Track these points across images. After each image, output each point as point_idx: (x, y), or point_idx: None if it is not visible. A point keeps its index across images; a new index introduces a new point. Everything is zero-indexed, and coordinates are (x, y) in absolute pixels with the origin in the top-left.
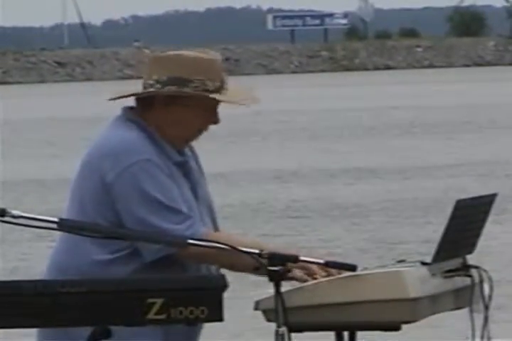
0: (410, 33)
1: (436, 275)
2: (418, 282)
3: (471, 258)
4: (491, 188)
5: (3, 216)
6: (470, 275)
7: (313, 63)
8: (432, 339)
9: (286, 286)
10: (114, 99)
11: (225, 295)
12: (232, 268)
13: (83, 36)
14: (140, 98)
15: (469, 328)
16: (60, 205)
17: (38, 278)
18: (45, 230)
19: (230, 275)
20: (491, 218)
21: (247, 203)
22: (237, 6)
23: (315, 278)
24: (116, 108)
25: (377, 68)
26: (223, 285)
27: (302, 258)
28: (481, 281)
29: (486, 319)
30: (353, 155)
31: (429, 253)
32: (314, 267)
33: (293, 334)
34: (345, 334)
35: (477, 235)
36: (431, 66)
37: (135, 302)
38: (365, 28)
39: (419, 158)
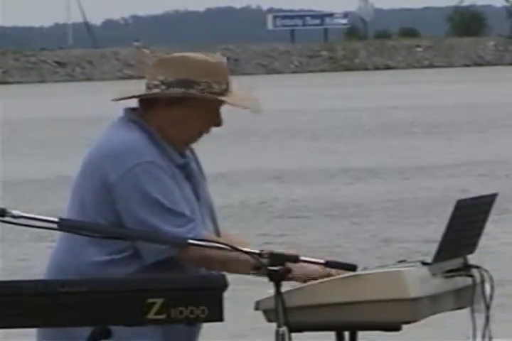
0: (410, 33)
1: (437, 275)
2: (418, 282)
3: (471, 258)
4: (491, 188)
5: (3, 216)
6: (471, 275)
7: (313, 63)
8: (432, 339)
9: (286, 286)
10: (118, 99)
11: (225, 295)
12: (232, 270)
13: (87, 36)
14: (143, 99)
15: (470, 328)
16: (60, 205)
17: (38, 278)
18: (45, 230)
19: (230, 276)
20: (491, 218)
21: (247, 203)
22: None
23: (315, 279)
24: (117, 108)
25: (377, 68)
26: (223, 285)
27: (302, 258)
28: (482, 281)
29: (487, 319)
30: (353, 155)
31: (429, 253)
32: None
33: (293, 334)
34: (346, 334)
35: (478, 235)
36: (431, 66)
37: (135, 302)
38: (365, 28)
39: (419, 158)
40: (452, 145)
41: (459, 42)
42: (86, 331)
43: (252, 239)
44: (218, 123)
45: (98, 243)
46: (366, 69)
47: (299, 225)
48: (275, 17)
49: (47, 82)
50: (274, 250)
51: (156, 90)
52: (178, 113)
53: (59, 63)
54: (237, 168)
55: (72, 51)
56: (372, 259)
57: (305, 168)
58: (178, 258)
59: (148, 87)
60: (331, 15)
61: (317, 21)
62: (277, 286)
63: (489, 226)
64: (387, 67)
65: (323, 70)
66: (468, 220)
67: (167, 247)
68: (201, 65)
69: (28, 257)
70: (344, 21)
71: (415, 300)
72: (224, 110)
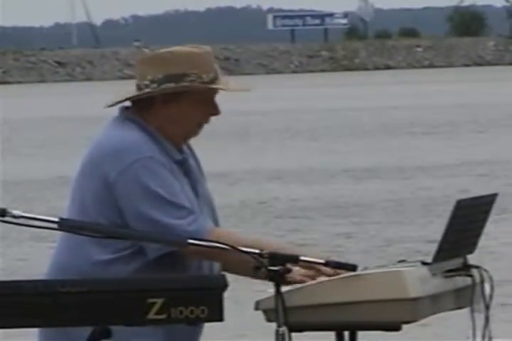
0: (410, 33)
1: (437, 275)
2: (418, 282)
3: (471, 258)
4: (491, 188)
5: (3, 216)
6: (471, 275)
7: (313, 63)
8: (432, 339)
9: (286, 286)
10: (112, 105)
11: (225, 295)
12: (233, 266)
13: (90, 36)
14: (137, 99)
15: (470, 328)
16: (61, 205)
17: (38, 278)
18: (46, 230)
19: (230, 275)
20: (491, 218)
21: (247, 203)
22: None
23: (315, 279)
24: (117, 108)
25: (377, 68)
26: (223, 285)
27: (302, 258)
28: (482, 281)
29: (486, 319)
30: (353, 155)
31: (429, 253)
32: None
33: (293, 334)
34: (346, 334)
35: (478, 235)
36: (431, 66)
37: (135, 302)
38: (365, 27)
39: (419, 158)
40: (452, 145)
41: (459, 42)
42: (86, 331)
43: None
44: (216, 112)
45: (99, 242)
46: (366, 69)
47: (299, 225)
48: (275, 17)
49: (47, 82)
50: (274, 250)
51: (147, 90)
52: (176, 109)
53: (59, 63)
54: (237, 168)
55: (72, 51)
56: (373, 259)
57: (305, 168)
58: (181, 252)
59: (139, 88)
60: (331, 15)
61: (317, 21)
62: (277, 286)
63: (489, 226)
64: (387, 67)
65: (323, 70)
66: (468, 220)
67: None
68: (187, 57)
69: (28, 257)
70: (344, 21)
71: (415, 300)
72: (224, 110)
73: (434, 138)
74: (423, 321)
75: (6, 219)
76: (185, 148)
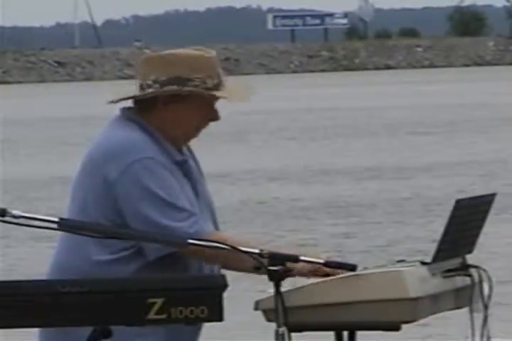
0: (410, 33)
1: (436, 275)
2: (418, 282)
3: (470, 258)
4: (491, 188)
5: (3, 216)
6: (470, 275)
7: (313, 63)
8: (431, 339)
9: (286, 286)
10: (115, 101)
11: (225, 295)
12: (233, 266)
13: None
14: (139, 99)
15: (469, 327)
16: (61, 205)
17: (38, 278)
18: (46, 230)
19: (230, 275)
20: (490, 218)
21: (247, 203)
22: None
23: (316, 275)
24: (116, 108)
25: (377, 68)
26: (223, 285)
27: (302, 258)
28: (481, 281)
29: (485, 318)
30: (353, 155)
31: (429, 252)
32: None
33: (293, 334)
34: (345, 334)
35: (476, 235)
36: (431, 66)
37: (135, 302)
38: (365, 27)
39: (419, 158)
40: (452, 145)
41: (459, 42)
42: (86, 331)
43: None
44: (215, 117)
45: (100, 242)
46: (366, 69)
47: (299, 225)
48: (275, 17)
49: (47, 82)
50: (274, 250)
51: (150, 90)
52: (176, 111)
53: (59, 63)
54: (237, 168)
55: (73, 51)
56: (372, 259)
57: (305, 168)
58: (181, 253)
59: (142, 88)
60: (331, 15)
61: (317, 21)
62: (277, 286)
63: (489, 226)
64: (387, 67)
65: (323, 70)
66: (467, 220)
67: None
68: (192, 61)
69: (28, 257)
70: (344, 21)
71: (415, 299)
72: (224, 110)
73: (434, 138)
74: (422, 321)
75: (6, 219)
76: (184, 149)
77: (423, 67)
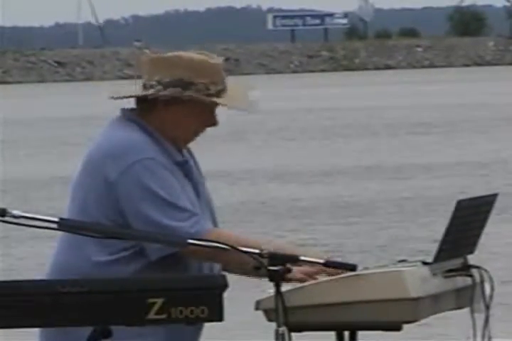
0: (410, 33)
1: (437, 275)
2: (419, 282)
3: (472, 258)
4: (491, 188)
5: (3, 216)
6: (471, 275)
7: (314, 63)
8: (432, 339)
9: (286, 286)
10: (116, 98)
11: (225, 295)
12: (234, 266)
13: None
14: (140, 99)
15: (470, 328)
16: (61, 205)
17: (37, 278)
18: (46, 230)
19: (231, 275)
20: (491, 218)
21: (247, 203)
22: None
23: (315, 279)
24: (117, 108)
25: (377, 68)
26: (223, 285)
27: (302, 258)
28: (482, 281)
29: (486, 319)
30: (354, 155)
31: (430, 252)
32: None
33: (293, 334)
34: (346, 334)
35: (478, 235)
36: (431, 66)
37: (135, 302)
38: (365, 27)
39: (419, 158)
40: (452, 145)
41: (459, 42)
42: (86, 331)
43: None
44: (214, 123)
45: (100, 242)
46: (366, 69)
47: (299, 225)
48: (275, 17)
49: (47, 82)
50: (274, 250)
51: (152, 90)
52: (176, 113)
53: (59, 63)
54: (237, 167)
55: (73, 51)
56: (373, 259)
57: (305, 168)
58: (182, 253)
59: (145, 87)
60: (331, 15)
61: (317, 21)
62: (277, 286)
63: (490, 227)
64: (387, 67)
65: (323, 70)
66: (468, 220)
67: None
68: (198, 65)
69: (28, 257)
70: (344, 21)
71: (416, 299)
72: (224, 110)
73: (434, 138)
74: (423, 321)
75: (6, 219)
76: (184, 151)
77: (423, 67)
